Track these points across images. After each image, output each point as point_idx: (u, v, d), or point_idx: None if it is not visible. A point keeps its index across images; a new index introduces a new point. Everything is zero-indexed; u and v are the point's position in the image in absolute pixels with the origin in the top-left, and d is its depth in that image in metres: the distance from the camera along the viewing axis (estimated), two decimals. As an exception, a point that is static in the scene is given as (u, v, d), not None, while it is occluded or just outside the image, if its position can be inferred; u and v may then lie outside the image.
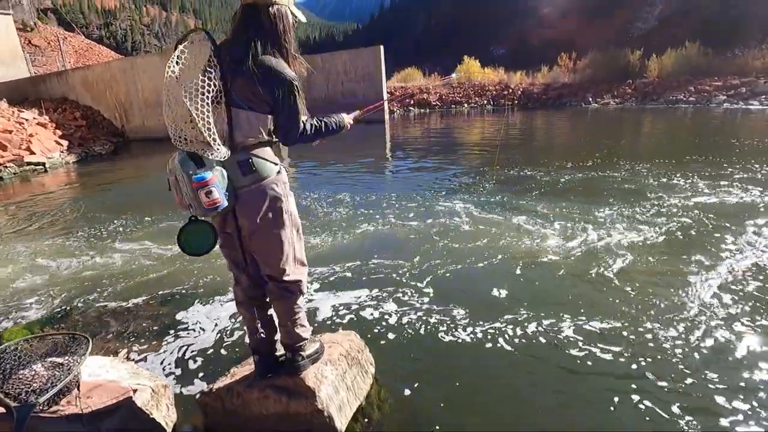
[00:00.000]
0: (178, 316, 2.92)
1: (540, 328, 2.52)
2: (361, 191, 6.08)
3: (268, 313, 1.73)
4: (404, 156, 9.68)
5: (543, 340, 2.42)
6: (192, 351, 2.51)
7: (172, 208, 5.32)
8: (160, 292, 3.28)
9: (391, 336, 2.54)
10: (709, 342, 2.34)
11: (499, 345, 2.39)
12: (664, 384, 2.05)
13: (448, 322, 2.63)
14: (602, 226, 4.13)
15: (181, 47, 1.39)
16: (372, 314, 2.78)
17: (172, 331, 2.74)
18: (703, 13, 27.32)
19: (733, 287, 2.90)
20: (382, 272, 3.40)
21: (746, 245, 3.53)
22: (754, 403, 1.91)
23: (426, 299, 2.94)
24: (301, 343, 1.73)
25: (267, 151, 1.54)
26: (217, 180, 1.37)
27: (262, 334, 1.71)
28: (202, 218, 1.47)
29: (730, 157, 6.93)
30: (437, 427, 1.85)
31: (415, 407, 1.98)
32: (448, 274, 3.30)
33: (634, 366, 2.18)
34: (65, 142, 12.91)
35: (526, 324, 2.57)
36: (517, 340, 2.43)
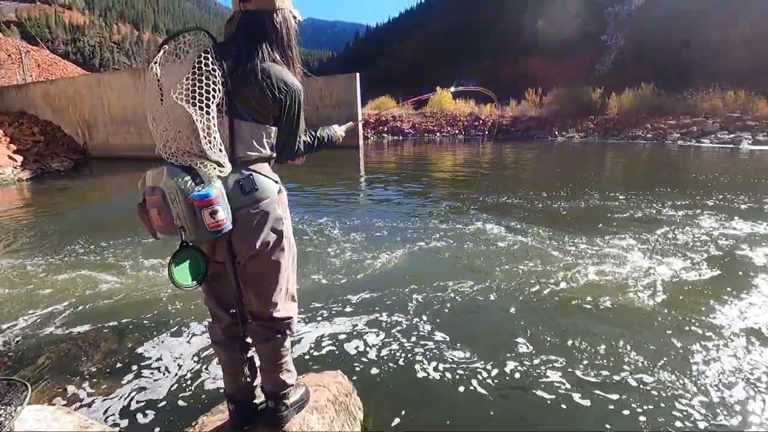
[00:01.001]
0: (136, 354, 2.61)
1: (539, 366, 2.40)
2: (338, 217, 5.90)
3: (248, 354, 1.52)
4: (381, 181, 9.63)
5: (543, 378, 2.28)
6: (152, 396, 2.22)
7: (132, 231, 4.95)
8: (116, 325, 2.95)
9: (377, 374, 2.34)
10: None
11: (496, 383, 2.24)
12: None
13: (439, 358, 2.46)
14: (590, 253, 4.13)
15: (173, 45, 1.22)
16: (356, 349, 2.58)
17: (128, 372, 2.43)
18: (655, 58, 29.52)
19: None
20: (365, 303, 3.22)
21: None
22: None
23: (414, 332, 2.76)
24: (285, 390, 1.52)
25: (267, 168, 1.37)
26: (221, 198, 1.18)
27: (248, 380, 1.49)
28: (191, 244, 1.25)
29: (697, 189, 7.25)
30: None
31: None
32: (435, 305, 3.15)
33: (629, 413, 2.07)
34: (20, 158, 12.14)
35: (526, 362, 2.44)
36: (516, 379, 2.28)
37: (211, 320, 1.50)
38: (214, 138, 1.18)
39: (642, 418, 1.96)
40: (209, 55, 1.20)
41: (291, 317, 1.47)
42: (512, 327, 2.83)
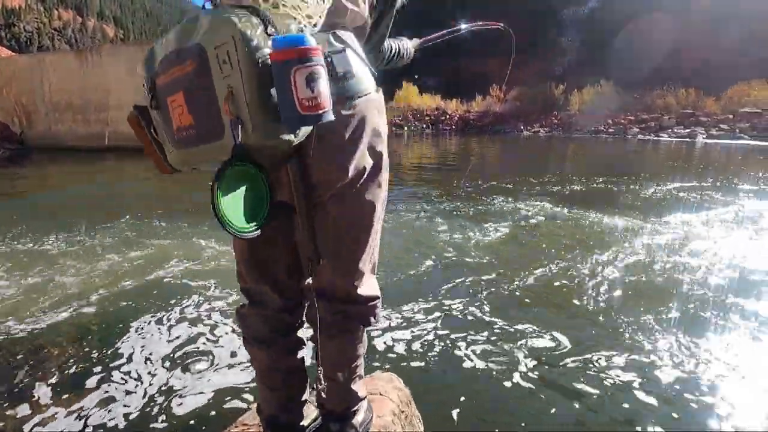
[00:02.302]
0: (98, 359, 2.01)
1: (576, 358, 2.07)
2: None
3: (300, 356, 1.01)
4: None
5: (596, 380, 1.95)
6: (122, 410, 1.67)
7: (83, 226, 4.22)
8: (70, 329, 2.34)
9: (421, 374, 1.92)
10: None
11: (541, 378, 1.88)
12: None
13: (483, 353, 2.08)
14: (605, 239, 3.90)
15: None
16: (386, 343, 2.14)
17: (90, 382, 1.85)
18: (611, 58, 30.80)
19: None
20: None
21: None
22: None
23: (439, 322, 2.36)
24: (356, 407, 1.03)
25: (358, 47, 0.83)
26: (322, 55, 0.62)
27: (297, 392, 1.00)
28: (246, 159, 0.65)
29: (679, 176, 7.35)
30: None
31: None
32: (446, 293, 2.76)
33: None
34: (-58, 147, 10.64)
35: (572, 356, 2.10)
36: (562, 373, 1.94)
37: (247, 304, 0.96)
38: None
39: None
40: None
41: (378, 297, 0.95)
42: (560, 321, 2.50)
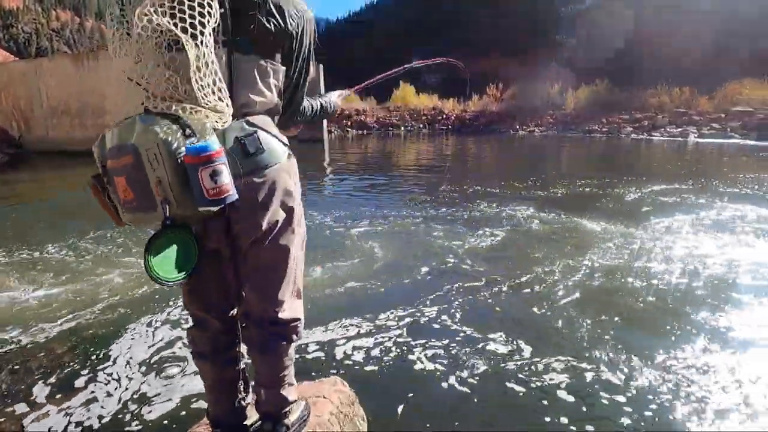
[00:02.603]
0: (81, 367, 2.21)
1: (537, 363, 2.25)
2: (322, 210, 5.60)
3: (238, 368, 1.21)
4: (348, 175, 9.37)
5: (552, 381, 2.13)
6: (102, 414, 1.86)
7: (79, 233, 4.41)
8: (55, 335, 2.53)
9: (374, 378, 2.11)
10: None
11: (497, 379, 2.06)
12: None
13: (438, 356, 2.26)
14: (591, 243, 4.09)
15: None
16: (344, 353, 2.33)
17: (70, 389, 2.04)
18: (607, 57, 30.91)
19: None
20: (351, 299, 2.97)
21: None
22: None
23: (406, 329, 2.55)
24: (287, 408, 1.24)
25: (272, 124, 1.06)
26: (224, 154, 0.85)
27: (238, 398, 1.19)
28: (182, 222, 0.89)
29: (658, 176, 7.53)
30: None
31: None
32: (424, 300, 2.95)
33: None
34: (-59, 152, 10.82)
35: (524, 358, 2.29)
36: (514, 375, 2.12)
37: (192, 326, 1.18)
38: (209, 75, 0.87)
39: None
40: None
41: (298, 318, 1.18)
42: (514, 321, 2.68)
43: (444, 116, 27.93)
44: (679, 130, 17.56)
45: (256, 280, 1.09)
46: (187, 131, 0.83)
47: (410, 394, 1.97)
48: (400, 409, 1.87)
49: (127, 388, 2.03)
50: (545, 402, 1.92)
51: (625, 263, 3.57)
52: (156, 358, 2.27)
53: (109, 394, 1.99)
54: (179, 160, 0.81)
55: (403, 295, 3.04)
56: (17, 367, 2.23)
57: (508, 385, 2.03)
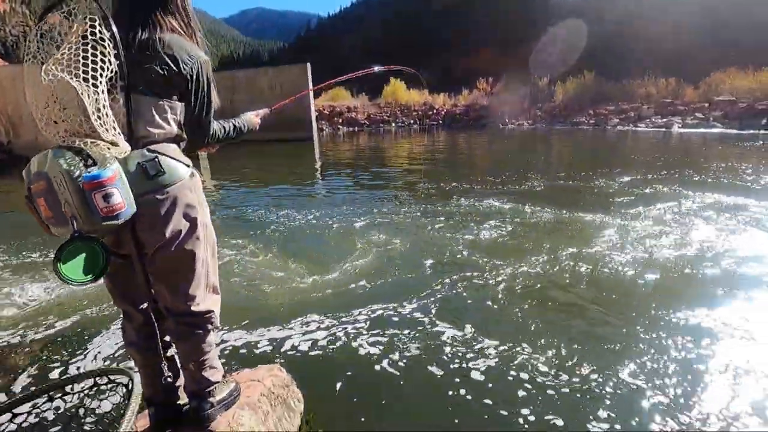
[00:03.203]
0: (43, 360, 2.39)
1: (485, 351, 2.45)
2: (287, 211, 5.77)
3: (168, 354, 1.41)
4: (337, 174, 9.53)
5: (486, 365, 2.33)
6: (65, 407, 2.02)
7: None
8: (23, 335, 2.71)
9: (321, 366, 2.30)
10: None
11: (444, 372, 2.25)
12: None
13: (383, 349, 2.45)
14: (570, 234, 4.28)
15: (57, 13, 1.09)
16: (299, 344, 2.51)
17: (37, 379, 2.22)
18: (595, 48, 31.07)
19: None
20: (312, 297, 3.15)
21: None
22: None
23: (360, 325, 2.73)
24: (210, 388, 1.43)
25: (176, 150, 1.27)
26: (118, 180, 1.06)
27: (168, 380, 1.36)
28: (88, 234, 1.09)
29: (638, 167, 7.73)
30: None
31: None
32: (383, 298, 3.12)
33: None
34: (-71, 160, 10.89)
35: (475, 350, 2.48)
36: (459, 364, 2.32)
37: (122, 319, 1.39)
38: (106, 115, 1.06)
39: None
40: (96, 23, 1.07)
41: (212, 311, 1.38)
42: (462, 314, 2.87)
43: (434, 111, 28.04)
44: (664, 120, 17.78)
45: (168, 279, 1.29)
46: (89, 161, 1.03)
47: (347, 376, 2.16)
48: (337, 388, 2.06)
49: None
50: (462, 380, 2.11)
51: (587, 253, 3.76)
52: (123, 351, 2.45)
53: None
54: (80, 185, 1.01)
55: (380, 292, 3.20)
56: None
57: (434, 367, 2.22)
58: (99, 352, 2.48)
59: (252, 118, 1.61)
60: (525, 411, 1.91)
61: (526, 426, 1.83)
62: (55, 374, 2.31)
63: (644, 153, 10.54)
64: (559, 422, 1.84)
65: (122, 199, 1.06)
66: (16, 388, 2.20)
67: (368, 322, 2.72)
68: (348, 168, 10.15)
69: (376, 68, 2.47)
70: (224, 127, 1.45)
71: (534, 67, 27.56)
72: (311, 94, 16.97)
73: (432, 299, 3.02)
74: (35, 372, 2.34)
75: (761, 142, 11.25)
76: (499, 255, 3.80)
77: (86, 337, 2.66)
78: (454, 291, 3.15)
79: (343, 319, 2.77)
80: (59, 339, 2.67)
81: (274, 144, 15.25)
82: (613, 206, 5.34)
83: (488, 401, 1.98)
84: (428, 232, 4.54)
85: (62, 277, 1.06)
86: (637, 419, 1.86)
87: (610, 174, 7.44)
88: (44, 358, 2.48)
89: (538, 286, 3.18)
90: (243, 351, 2.45)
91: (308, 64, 16.87)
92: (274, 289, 3.26)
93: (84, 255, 1.08)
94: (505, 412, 1.91)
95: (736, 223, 4.47)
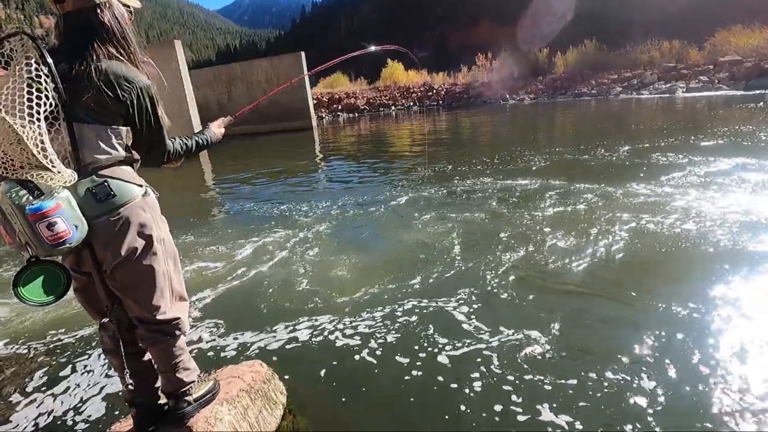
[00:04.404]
0: (36, 373, 2.47)
1: (468, 344, 2.50)
2: (282, 204, 5.83)
3: (144, 359, 1.50)
4: (337, 163, 9.56)
5: (467, 355, 2.38)
6: (57, 413, 2.12)
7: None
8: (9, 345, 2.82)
9: (305, 361, 2.35)
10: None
11: (428, 365, 2.27)
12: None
13: (368, 342, 2.50)
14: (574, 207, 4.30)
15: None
16: (283, 340, 2.56)
17: (27, 393, 2.30)
18: (596, 15, 30.25)
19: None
20: (292, 293, 3.22)
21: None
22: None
23: (343, 319, 2.80)
24: (185, 388, 1.52)
25: (127, 171, 1.32)
26: (62, 209, 1.13)
27: (130, 387, 1.45)
28: (46, 257, 1.20)
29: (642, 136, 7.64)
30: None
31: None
32: (368, 295, 3.16)
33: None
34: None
35: (454, 342, 2.54)
36: (445, 359, 2.38)
37: (99, 328, 1.47)
38: (48, 147, 1.12)
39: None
40: (32, 61, 1.12)
41: (179, 318, 1.45)
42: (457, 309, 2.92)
43: (434, 92, 27.69)
44: (668, 85, 17.38)
45: (131, 293, 1.37)
46: (35, 192, 1.11)
47: (330, 368, 2.24)
48: (320, 378, 2.15)
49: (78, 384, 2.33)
50: (445, 369, 2.18)
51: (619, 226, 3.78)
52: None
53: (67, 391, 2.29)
54: (27, 216, 1.10)
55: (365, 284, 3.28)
56: None
57: (420, 354, 2.29)
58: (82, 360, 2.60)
59: (216, 130, 1.66)
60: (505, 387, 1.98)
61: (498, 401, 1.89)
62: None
63: (647, 121, 10.36)
64: (548, 411, 1.90)
65: (66, 227, 1.13)
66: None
67: (366, 317, 2.75)
68: (348, 156, 10.16)
69: (372, 48, 2.50)
70: (186, 144, 1.49)
71: (525, 40, 26.94)
72: (307, 81, 16.86)
73: (418, 287, 3.08)
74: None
75: (762, 103, 10.98)
76: (501, 236, 3.83)
77: (72, 345, 2.77)
78: (438, 276, 3.20)
79: (336, 315, 2.83)
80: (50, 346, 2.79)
81: (273, 136, 15.30)
82: (620, 178, 5.31)
83: (477, 387, 2.04)
84: (418, 218, 4.57)
85: (23, 300, 1.14)
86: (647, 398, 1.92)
87: (612, 146, 7.36)
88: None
89: (549, 267, 3.22)
90: (228, 348, 2.54)
91: (302, 53, 16.73)
92: (266, 285, 3.34)
93: (43, 277, 1.17)
94: (487, 396, 1.98)
95: (747, 188, 4.46)
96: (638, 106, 14.36)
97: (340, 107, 25.04)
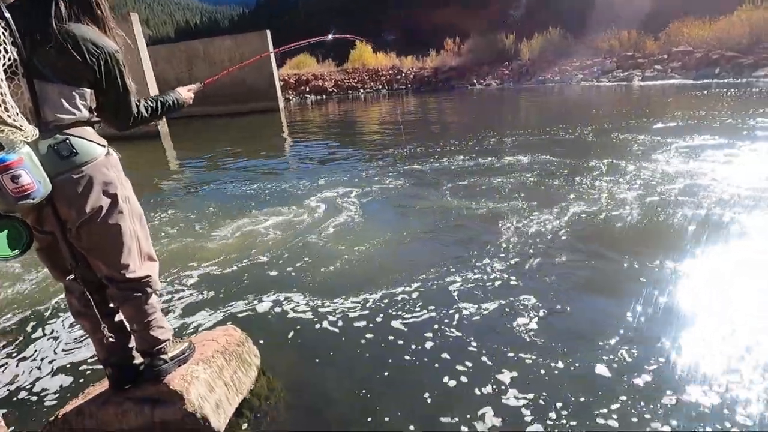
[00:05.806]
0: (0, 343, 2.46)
1: (441, 311, 2.63)
2: (255, 184, 5.78)
3: (116, 319, 1.53)
4: (305, 144, 9.46)
5: (436, 323, 2.49)
6: (32, 378, 2.14)
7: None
8: None
9: (279, 326, 2.45)
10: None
11: (399, 329, 2.39)
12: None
13: (337, 310, 2.60)
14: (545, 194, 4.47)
15: None
16: (257, 308, 2.65)
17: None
18: (560, 3, 30.82)
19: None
20: (268, 266, 3.27)
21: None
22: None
23: (316, 289, 2.89)
24: (160, 346, 1.56)
25: (89, 131, 1.33)
26: (25, 162, 1.13)
27: (111, 340, 1.47)
28: (8, 213, 1.21)
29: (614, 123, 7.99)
30: (331, 412, 1.83)
31: (307, 394, 1.93)
32: (342, 265, 3.27)
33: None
34: None
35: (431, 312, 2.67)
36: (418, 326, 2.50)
37: (65, 291, 1.48)
38: (9, 101, 1.11)
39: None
40: None
41: (149, 275, 1.48)
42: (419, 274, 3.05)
43: (402, 75, 27.60)
44: (626, 74, 18.11)
45: (99, 252, 1.39)
46: None
47: (301, 334, 2.32)
48: (289, 344, 2.23)
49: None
50: (418, 334, 2.31)
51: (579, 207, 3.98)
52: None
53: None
54: None
55: (353, 257, 3.35)
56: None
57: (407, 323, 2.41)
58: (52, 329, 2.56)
59: (183, 92, 1.65)
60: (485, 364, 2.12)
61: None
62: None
63: (605, 107, 10.83)
64: (538, 388, 2.06)
65: (31, 180, 1.15)
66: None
67: (337, 288, 2.85)
68: (317, 137, 10.08)
69: (330, 36, 2.53)
70: (151, 106, 1.49)
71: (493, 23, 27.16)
72: (273, 61, 16.42)
73: (389, 258, 3.19)
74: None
75: (707, 91, 11.70)
76: (474, 212, 3.98)
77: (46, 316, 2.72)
78: (409, 249, 3.33)
79: (306, 286, 2.91)
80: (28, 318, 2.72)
81: (239, 117, 14.88)
82: (586, 155, 5.58)
83: (441, 353, 2.18)
84: (390, 190, 4.67)
85: None
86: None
87: (575, 128, 7.68)
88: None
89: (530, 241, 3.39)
90: (201, 317, 2.58)
91: (267, 32, 16.25)
92: (237, 259, 3.36)
93: (6, 232, 1.19)
94: (446, 360, 2.12)
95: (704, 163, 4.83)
96: (598, 93, 14.94)
97: (307, 89, 24.58)
